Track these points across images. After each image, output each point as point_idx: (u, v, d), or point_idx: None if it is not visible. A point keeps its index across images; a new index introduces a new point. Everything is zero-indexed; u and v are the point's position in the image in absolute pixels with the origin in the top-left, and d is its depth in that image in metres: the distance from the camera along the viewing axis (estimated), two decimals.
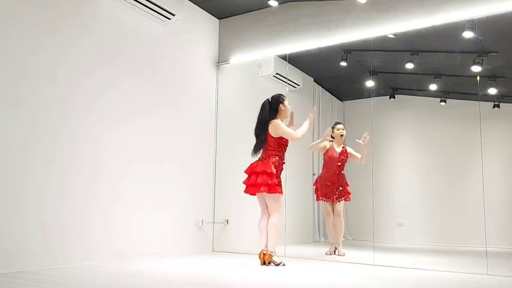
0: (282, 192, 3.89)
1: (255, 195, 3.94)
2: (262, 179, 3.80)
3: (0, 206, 3.14)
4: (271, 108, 4.01)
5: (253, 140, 4.03)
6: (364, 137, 4.54)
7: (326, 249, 4.79)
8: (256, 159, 3.99)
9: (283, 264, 3.79)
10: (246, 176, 3.97)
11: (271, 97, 4.06)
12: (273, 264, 3.78)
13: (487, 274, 3.50)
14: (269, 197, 3.86)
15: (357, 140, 4.60)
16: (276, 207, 3.85)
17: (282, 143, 3.96)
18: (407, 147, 5.64)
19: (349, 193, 4.81)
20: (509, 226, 4.68)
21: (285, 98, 4.06)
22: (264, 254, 3.81)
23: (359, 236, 5.20)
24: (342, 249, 4.70)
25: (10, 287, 2.60)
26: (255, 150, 3.99)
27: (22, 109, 3.33)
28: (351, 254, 4.64)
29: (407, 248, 5.14)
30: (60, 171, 3.55)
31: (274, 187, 3.81)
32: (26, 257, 3.25)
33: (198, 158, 5.03)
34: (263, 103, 4.05)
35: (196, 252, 4.81)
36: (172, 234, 4.59)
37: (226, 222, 5.17)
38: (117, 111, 4.08)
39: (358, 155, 4.74)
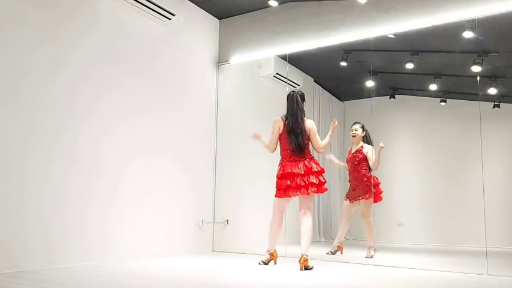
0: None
1: (308, 195, 3.68)
2: (317, 179, 3.67)
3: (0, 206, 3.14)
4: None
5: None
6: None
7: (326, 249, 4.76)
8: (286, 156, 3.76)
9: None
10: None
11: (298, 91, 3.85)
12: (305, 268, 3.51)
13: (487, 274, 3.50)
14: (310, 197, 3.74)
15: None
16: (311, 206, 3.77)
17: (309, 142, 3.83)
18: (407, 147, 5.63)
19: (372, 192, 4.47)
20: (509, 226, 4.68)
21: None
22: (304, 258, 3.52)
23: (359, 236, 5.19)
24: (372, 251, 4.37)
25: (10, 287, 2.60)
26: (301, 147, 3.72)
27: (23, 109, 3.33)
28: (351, 254, 4.63)
29: (408, 248, 5.14)
30: (60, 171, 3.55)
31: (323, 185, 3.73)
32: (26, 257, 3.26)
33: (198, 158, 5.03)
34: (293, 95, 3.82)
35: (196, 252, 4.81)
36: (172, 234, 4.59)
37: (226, 222, 5.16)
38: (117, 111, 4.08)
39: (371, 161, 4.50)
